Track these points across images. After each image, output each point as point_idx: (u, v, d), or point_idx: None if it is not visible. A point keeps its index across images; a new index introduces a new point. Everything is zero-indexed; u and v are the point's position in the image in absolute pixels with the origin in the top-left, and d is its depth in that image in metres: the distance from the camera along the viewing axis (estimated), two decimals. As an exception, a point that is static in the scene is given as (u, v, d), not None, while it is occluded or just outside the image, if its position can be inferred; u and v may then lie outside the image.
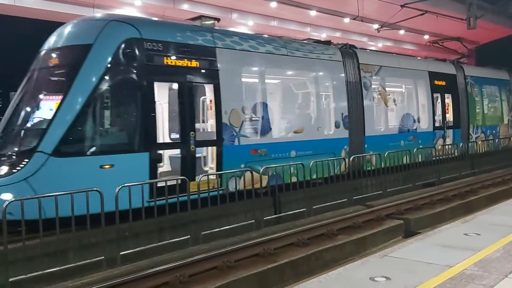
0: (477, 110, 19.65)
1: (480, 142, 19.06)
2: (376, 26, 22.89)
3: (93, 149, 8.60)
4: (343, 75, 13.42)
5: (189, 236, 8.33)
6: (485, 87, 20.48)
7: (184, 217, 8.52)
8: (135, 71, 9.09)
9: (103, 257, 7.26)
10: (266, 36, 12.95)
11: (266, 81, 11.73)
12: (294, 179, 10.59)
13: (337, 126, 13.03)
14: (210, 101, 10.56)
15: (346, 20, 24.57)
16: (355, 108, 13.55)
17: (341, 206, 10.89)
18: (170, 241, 8.13)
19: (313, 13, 23.17)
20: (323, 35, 26.22)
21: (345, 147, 13.11)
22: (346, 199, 11.40)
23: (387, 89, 15.10)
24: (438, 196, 12.06)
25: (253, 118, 11.14)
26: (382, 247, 8.29)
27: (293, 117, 12.89)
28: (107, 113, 9.00)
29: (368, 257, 6.28)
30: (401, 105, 16.20)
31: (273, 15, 23.34)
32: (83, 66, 8.60)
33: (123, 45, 8.90)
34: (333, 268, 6.35)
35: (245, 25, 22.50)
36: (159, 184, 8.70)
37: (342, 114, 13.19)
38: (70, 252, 7.34)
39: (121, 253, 7.51)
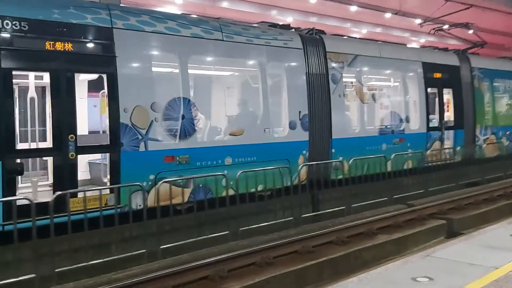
0: (486, 108, 16.40)
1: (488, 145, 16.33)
2: (418, 21, 22.35)
3: None
4: (303, 65, 11.11)
5: (227, 232, 8.40)
6: (498, 81, 17.09)
7: (223, 213, 8.60)
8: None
9: (144, 250, 7.43)
10: (193, 16, 10.66)
11: (190, 71, 9.46)
12: (230, 192, 8.74)
13: (292, 127, 10.79)
14: (102, 95, 9.02)
15: (387, 15, 24.14)
16: (319, 106, 11.29)
17: (381, 205, 10.68)
18: (209, 236, 8.21)
19: (353, 8, 22.93)
20: (363, 31, 25.87)
21: (304, 152, 10.93)
22: (386, 198, 11.19)
23: (364, 82, 12.82)
24: (483, 196, 11.67)
25: (168, 118, 9.03)
26: (424, 247, 8.11)
27: (229, 116, 10.94)
28: None
29: (410, 257, 6.17)
30: (384, 102, 14.08)
31: (313, 11, 23.19)
32: None
33: None
34: (373, 268, 6.26)
35: (284, 22, 22.43)
36: (20, 202, 6.86)
37: (300, 112, 10.90)
38: (113, 245, 7.54)
39: (161, 246, 7.65)
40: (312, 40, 11.65)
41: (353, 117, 12.73)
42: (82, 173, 8.90)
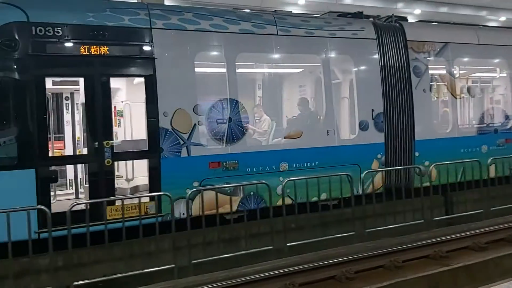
0: None
1: None
2: None
3: None
4: (377, 57, 9.93)
5: (353, 233, 8.27)
6: None
7: (348, 213, 8.49)
8: (18, 64, 7.12)
9: (271, 247, 7.63)
10: (245, 11, 9.59)
11: (239, 70, 8.86)
12: (287, 201, 8.12)
13: (363, 127, 9.65)
14: (124, 99, 8.81)
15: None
16: (397, 103, 10.04)
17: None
18: (335, 236, 8.16)
19: (490, -6, 21.10)
20: (501, 18, 23.65)
21: (379, 156, 9.74)
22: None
23: (458, 74, 11.20)
24: None
25: (213, 121, 8.51)
26: None
27: (284, 118, 9.93)
28: None
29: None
30: (484, 97, 12.19)
31: (442, 0, 21.78)
32: None
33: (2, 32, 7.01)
34: (516, 278, 5.70)
35: (411, 14, 21.40)
36: (57, 210, 6.93)
37: (373, 111, 9.72)
38: (243, 240, 7.88)
39: (287, 244, 7.79)
40: (389, 28, 10.39)
41: (442, 115, 11.33)
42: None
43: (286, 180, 8.10)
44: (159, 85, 7.86)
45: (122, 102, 9.27)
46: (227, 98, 8.48)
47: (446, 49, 10.80)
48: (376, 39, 10.01)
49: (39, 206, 6.55)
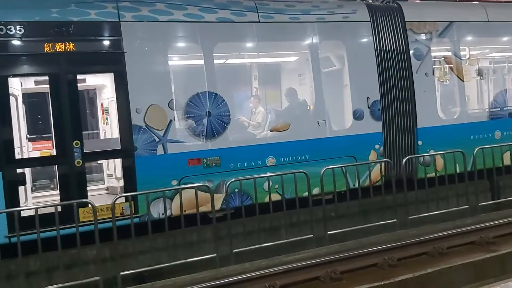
0: None
1: None
2: None
3: None
4: (371, 41, 9.39)
5: (395, 220, 8.15)
6: None
7: (389, 200, 8.36)
8: None
9: (311, 236, 7.64)
10: None
11: (217, 62, 8.54)
12: (276, 197, 7.78)
13: (357, 117, 9.19)
14: (109, 96, 8.53)
15: None
16: (396, 89, 9.49)
17: None
18: (376, 223, 8.07)
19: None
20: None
21: (377, 146, 9.28)
22: None
23: (465, 56, 10.46)
24: None
25: (191, 116, 8.16)
26: None
27: (269, 110, 9.57)
28: None
29: None
30: (496, 78, 11.29)
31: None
32: None
33: None
34: None
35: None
36: (26, 213, 6.86)
37: (368, 99, 9.23)
38: (282, 229, 7.90)
39: (328, 232, 7.77)
40: (385, 9, 9.77)
41: (448, 100, 10.59)
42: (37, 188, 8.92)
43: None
44: (130, 80, 7.63)
45: (108, 99, 9.16)
46: (205, 91, 8.18)
47: (450, 29, 10.13)
48: (370, 21, 9.49)
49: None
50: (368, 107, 9.28)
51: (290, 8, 8.95)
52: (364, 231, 7.86)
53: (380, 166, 9.00)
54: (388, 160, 8.74)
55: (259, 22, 8.63)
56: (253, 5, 8.71)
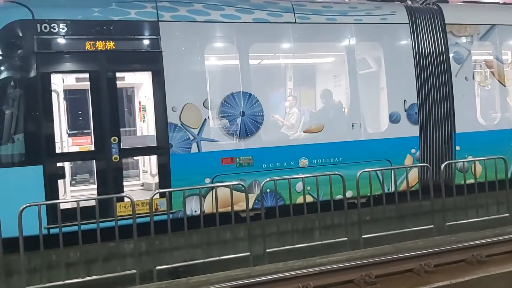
0: None
1: None
2: None
3: None
4: (409, 43, 9.33)
5: (432, 226, 8.00)
6: None
7: (426, 206, 8.21)
8: (23, 62, 7.31)
9: (346, 238, 7.59)
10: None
11: (253, 62, 8.64)
12: (307, 198, 7.68)
13: (394, 120, 9.11)
14: (146, 95, 8.67)
15: None
16: (434, 92, 9.37)
17: None
18: (412, 229, 7.94)
19: None
20: None
21: (413, 151, 9.18)
22: None
23: (507, 59, 10.19)
24: None
25: (225, 115, 8.27)
26: None
27: (303, 111, 9.53)
28: None
29: None
30: None
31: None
32: None
33: (5, 31, 7.19)
34: None
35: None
36: (65, 206, 7.06)
37: (405, 102, 9.17)
38: (316, 231, 7.87)
39: (363, 236, 7.69)
40: (425, 11, 9.66)
41: (488, 105, 10.31)
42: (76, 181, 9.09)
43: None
44: (167, 79, 7.80)
45: (145, 97, 9.28)
46: (240, 91, 8.27)
47: (492, 32, 9.91)
48: (408, 23, 9.40)
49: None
50: (405, 110, 9.19)
51: (327, 9, 8.98)
52: (399, 236, 7.76)
53: (418, 170, 8.85)
54: (427, 164, 8.56)
55: (295, 23, 8.67)
56: (290, 6, 8.77)
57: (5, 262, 6.16)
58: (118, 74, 8.04)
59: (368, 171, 7.94)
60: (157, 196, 7.39)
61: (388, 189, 8.38)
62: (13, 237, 6.11)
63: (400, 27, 9.39)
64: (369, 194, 8.01)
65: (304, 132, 8.97)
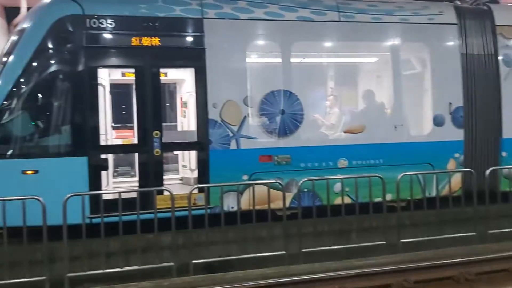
0: None
1: None
2: None
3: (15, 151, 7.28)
4: (457, 45, 9.07)
5: (474, 233, 7.77)
6: None
7: (468, 212, 7.97)
8: (70, 56, 7.51)
9: (384, 242, 7.47)
10: None
11: (294, 60, 8.60)
12: (346, 200, 7.55)
13: (438, 123, 8.88)
14: (189, 90, 8.69)
15: None
16: (481, 96, 9.06)
17: None
18: (453, 235, 7.73)
19: None
20: None
21: (457, 155, 8.93)
22: None
23: None
24: None
25: (265, 113, 8.25)
26: None
27: (344, 111, 9.33)
28: (33, 109, 7.45)
29: None
30: None
31: None
32: (12, 55, 7.32)
33: (57, 25, 7.35)
34: None
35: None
36: (107, 197, 7.22)
37: (451, 105, 8.91)
38: (353, 233, 7.78)
39: (401, 240, 7.54)
40: (474, 12, 9.44)
41: None
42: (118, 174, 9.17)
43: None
44: (209, 76, 7.86)
45: (187, 93, 9.42)
46: (280, 90, 8.27)
47: None
48: (457, 24, 9.16)
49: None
50: (450, 113, 8.98)
51: (372, 8, 8.86)
52: (439, 242, 7.58)
53: (462, 176, 8.61)
54: (471, 170, 8.28)
55: (339, 21, 8.59)
56: (334, 4, 8.70)
57: (49, 249, 6.37)
58: (162, 70, 8.21)
59: (410, 174, 7.77)
60: (196, 190, 7.49)
61: (429, 194, 8.17)
62: (57, 225, 6.33)
63: (448, 27, 9.18)
64: (409, 198, 7.83)
65: (345, 132, 8.85)
